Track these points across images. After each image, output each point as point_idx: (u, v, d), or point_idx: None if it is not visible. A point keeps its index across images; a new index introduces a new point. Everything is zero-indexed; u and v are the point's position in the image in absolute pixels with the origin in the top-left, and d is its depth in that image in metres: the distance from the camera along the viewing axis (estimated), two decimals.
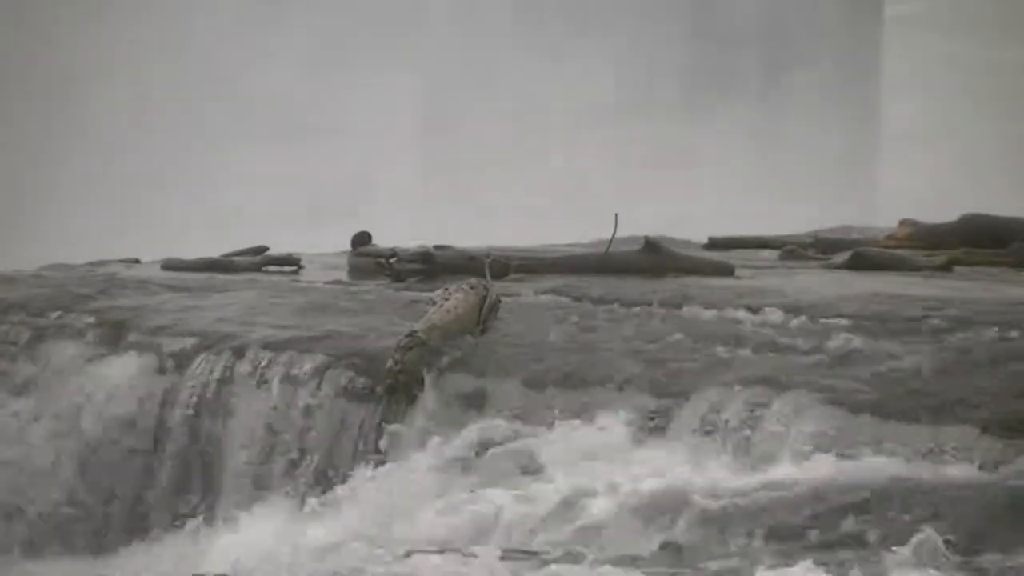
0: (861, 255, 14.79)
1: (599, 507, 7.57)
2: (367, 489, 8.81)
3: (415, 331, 10.07)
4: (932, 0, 27.25)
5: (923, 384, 8.47)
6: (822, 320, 10.32)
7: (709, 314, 10.83)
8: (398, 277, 14.07)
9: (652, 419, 8.73)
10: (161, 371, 11.13)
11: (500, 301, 11.16)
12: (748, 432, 8.33)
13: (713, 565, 6.73)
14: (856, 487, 7.19)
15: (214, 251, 16.33)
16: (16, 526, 11.28)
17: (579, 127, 26.64)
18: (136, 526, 10.64)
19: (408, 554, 7.30)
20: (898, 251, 15.30)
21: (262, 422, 10.35)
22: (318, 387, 10.29)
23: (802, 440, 8.08)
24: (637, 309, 11.14)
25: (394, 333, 10.36)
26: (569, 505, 7.70)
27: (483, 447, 8.83)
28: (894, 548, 6.56)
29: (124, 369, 11.32)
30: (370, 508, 8.41)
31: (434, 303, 10.86)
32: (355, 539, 7.80)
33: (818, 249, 16.65)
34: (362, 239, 16.16)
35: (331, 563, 7.43)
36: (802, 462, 7.78)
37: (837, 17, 28.22)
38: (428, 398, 9.72)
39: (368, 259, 15.24)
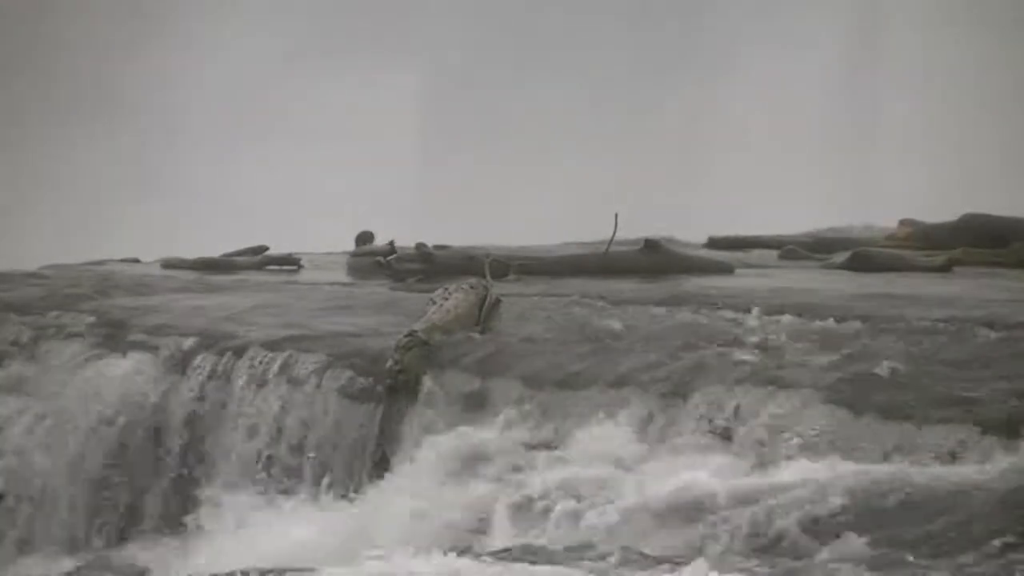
0: (861, 255, 14.80)
1: (599, 506, 7.56)
2: (367, 488, 8.80)
3: (415, 331, 10.07)
4: (930, 0, 27.23)
5: (923, 384, 8.46)
6: (822, 319, 10.32)
7: (709, 313, 10.84)
8: (398, 277, 14.07)
9: (652, 418, 8.72)
10: (161, 371, 11.13)
11: (500, 301, 11.16)
12: (748, 431, 8.32)
13: (714, 563, 6.72)
14: (856, 487, 7.18)
15: (214, 251, 16.34)
16: (16, 524, 11.28)
17: (579, 127, 26.63)
18: (135, 524, 10.64)
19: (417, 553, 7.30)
20: (898, 251, 15.31)
21: (262, 422, 10.35)
22: (318, 387, 10.28)
23: (802, 439, 8.08)
24: (636, 309, 11.14)
25: (394, 333, 10.36)
26: (569, 505, 7.69)
27: (483, 446, 8.82)
28: (894, 546, 6.56)
29: (124, 368, 11.32)
30: (370, 507, 8.41)
31: (434, 303, 10.86)
32: (354, 538, 7.80)
33: (818, 249, 16.66)
34: (365, 238, 16.18)
35: (331, 563, 7.42)
36: (802, 461, 7.77)
37: (836, 17, 28.21)
38: (428, 398, 9.72)
39: (367, 258, 15.26)
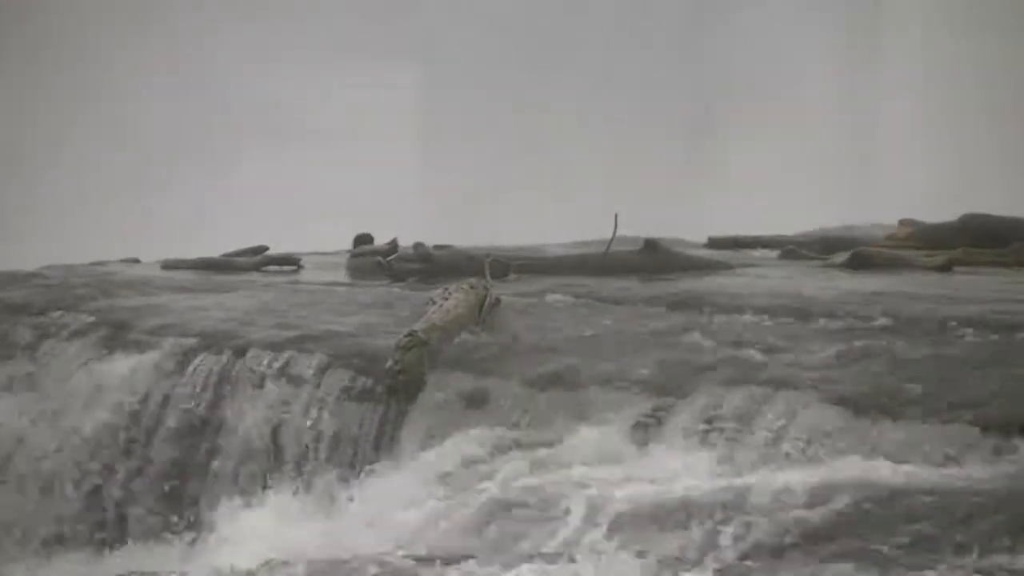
0: (861, 255, 14.82)
1: (598, 507, 7.56)
2: (367, 490, 8.80)
3: (415, 331, 10.07)
4: (929, 0, 27.23)
5: (923, 384, 8.47)
6: (821, 320, 10.33)
7: (708, 314, 10.84)
8: (398, 277, 14.08)
9: (651, 419, 8.72)
10: (161, 371, 11.13)
11: (500, 301, 11.17)
12: (747, 432, 8.32)
13: (711, 567, 6.73)
14: (855, 487, 7.18)
15: (214, 251, 16.34)
16: (14, 526, 11.28)
17: (580, 127, 26.64)
18: (134, 526, 10.64)
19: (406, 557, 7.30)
20: (898, 251, 15.31)
21: (262, 422, 10.35)
22: (318, 387, 10.28)
23: (801, 440, 8.08)
24: (636, 309, 11.15)
25: (394, 333, 10.36)
26: (568, 505, 7.69)
27: (483, 447, 8.82)
28: (893, 549, 6.56)
29: (124, 369, 11.33)
30: (370, 509, 8.41)
31: (434, 303, 10.86)
32: (354, 540, 7.80)
33: (818, 249, 16.67)
34: (363, 240, 16.19)
35: (330, 563, 7.43)
36: (801, 462, 7.78)
37: (836, 17, 28.22)
38: (428, 398, 9.72)
39: (366, 259, 15.26)
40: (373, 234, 16.31)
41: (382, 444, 9.60)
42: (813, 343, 9.59)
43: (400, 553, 7.28)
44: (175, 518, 10.33)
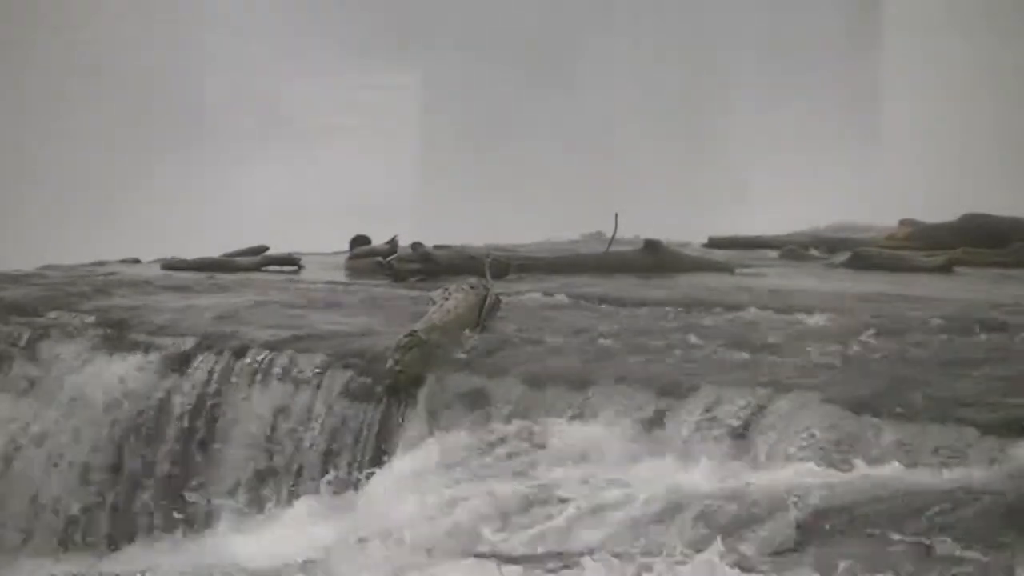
0: (861, 255, 14.85)
1: (598, 507, 7.56)
2: (366, 490, 8.79)
3: (415, 331, 10.07)
4: (930, 0, 27.25)
5: (923, 384, 8.46)
6: (822, 319, 10.33)
7: (709, 314, 10.84)
8: (398, 277, 14.09)
9: (651, 418, 8.72)
10: (161, 371, 11.13)
11: (500, 301, 11.17)
12: (748, 432, 8.32)
13: (712, 566, 6.72)
14: (855, 487, 7.18)
15: (214, 251, 16.36)
16: (15, 525, 11.28)
17: (580, 127, 26.65)
18: (134, 526, 10.65)
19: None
20: (898, 251, 15.34)
21: (261, 422, 10.35)
22: (318, 387, 10.28)
23: (801, 440, 8.08)
24: (636, 309, 11.15)
25: (394, 333, 10.36)
26: (568, 505, 7.69)
27: (483, 447, 8.82)
28: (893, 548, 6.55)
29: (124, 369, 11.32)
30: (370, 507, 8.40)
31: (434, 303, 10.86)
32: (353, 540, 7.80)
33: (818, 249, 16.69)
34: (360, 242, 16.21)
35: (329, 563, 7.43)
36: (801, 462, 7.78)
37: (836, 17, 28.23)
38: (428, 398, 9.72)
39: (367, 258, 15.29)
40: (373, 234, 16.33)
41: (383, 443, 9.60)
42: (814, 343, 9.59)
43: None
44: (176, 518, 10.33)
